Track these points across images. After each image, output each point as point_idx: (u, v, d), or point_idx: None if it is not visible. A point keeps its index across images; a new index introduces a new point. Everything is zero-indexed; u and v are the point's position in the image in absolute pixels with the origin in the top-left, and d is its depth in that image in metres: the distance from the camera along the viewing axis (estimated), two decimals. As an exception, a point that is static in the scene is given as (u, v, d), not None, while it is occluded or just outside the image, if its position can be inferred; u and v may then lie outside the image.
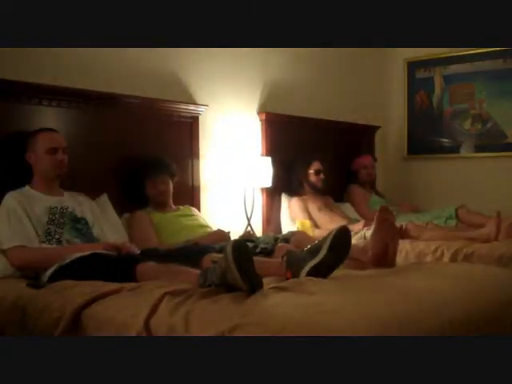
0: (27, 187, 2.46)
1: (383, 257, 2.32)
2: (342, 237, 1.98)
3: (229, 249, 1.67)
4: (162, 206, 3.02)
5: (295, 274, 1.96)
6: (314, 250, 1.99)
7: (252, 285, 1.69)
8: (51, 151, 2.45)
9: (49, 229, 2.38)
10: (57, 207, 2.45)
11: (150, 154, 3.03)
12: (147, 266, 2.05)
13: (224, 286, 1.72)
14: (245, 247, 1.72)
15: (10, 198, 2.37)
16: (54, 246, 2.36)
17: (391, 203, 4.26)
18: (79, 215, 2.52)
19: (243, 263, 1.66)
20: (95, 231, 2.54)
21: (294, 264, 1.99)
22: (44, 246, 2.34)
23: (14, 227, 2.29)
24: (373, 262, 2.32)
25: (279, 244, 2.52)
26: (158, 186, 2.98)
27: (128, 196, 3.00)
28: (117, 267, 2.10)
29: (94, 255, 2.20)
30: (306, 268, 1.94)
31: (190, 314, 1.60)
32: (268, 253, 2.42)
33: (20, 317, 1.94)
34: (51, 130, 2.54)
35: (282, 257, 2.06)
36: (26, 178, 2.49)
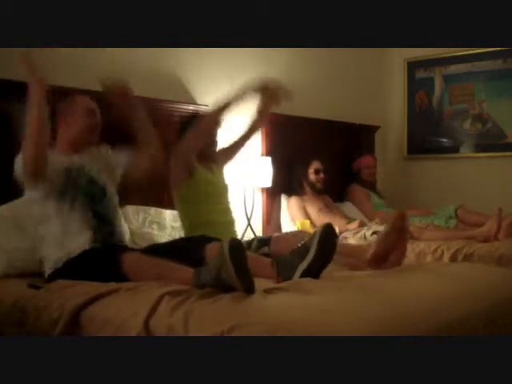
0: None
1: (382, 260, 2.28)
2: (327, 236, 1.97)
3: (226, 246, 1.69)
4: None
5: (287, 279, 1.94)
6: (302, 252, 1.97)
7: (246, 282, 1.69)
8: (90, 113, 2.43)
9: (65, 188, 2.30)
10: (74, 168, 2.37)
11: None
12: (135, 257, 2.05)
13: (218, 286, 1.73)
14: (241, 246, 1.74)
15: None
16: None
17: (390, 204, 4.26)
18: (95, 177, 2.43)
19: (239, 261, 1.67)
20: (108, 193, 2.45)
21: (284, 269, 1.99)
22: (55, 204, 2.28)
23: None
24: (370, 261, 2.28)
25: (275, 234, 2.51)
26: None
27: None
28: (102, 259, 2.08)
29: (86, 253, 2.17)
30: (297, 273, 1.94)
31: (189, 314, 1.60)
32: (265, 243, 2.42)
33: (20, 317, 1.94)
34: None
35: (271, 263, 2.05)
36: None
